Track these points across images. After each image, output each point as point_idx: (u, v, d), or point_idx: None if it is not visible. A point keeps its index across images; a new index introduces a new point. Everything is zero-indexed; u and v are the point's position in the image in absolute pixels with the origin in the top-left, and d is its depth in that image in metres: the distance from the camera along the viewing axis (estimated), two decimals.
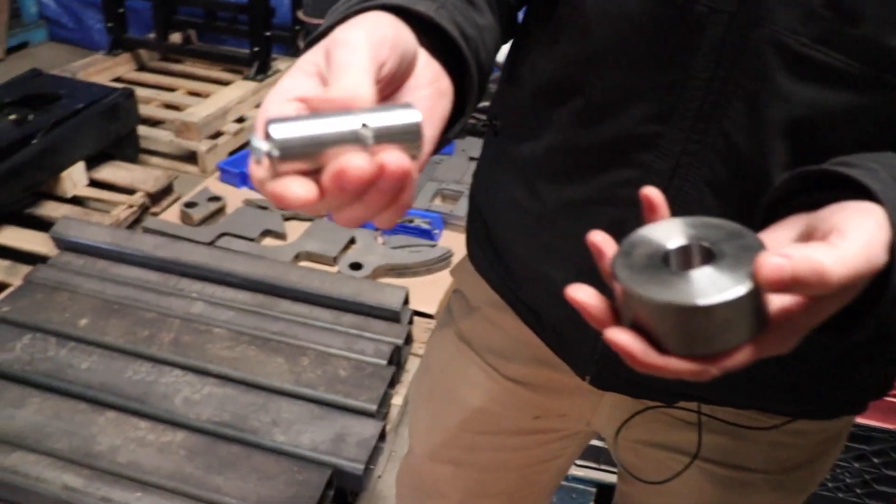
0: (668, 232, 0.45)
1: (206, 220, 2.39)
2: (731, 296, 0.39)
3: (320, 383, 1.63)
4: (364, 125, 0.38)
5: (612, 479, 1.69)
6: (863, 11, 0.48)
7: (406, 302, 1.94)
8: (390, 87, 0.45)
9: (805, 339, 0.43)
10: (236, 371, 1.62)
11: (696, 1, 0.53)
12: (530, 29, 0.65)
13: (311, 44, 0.46)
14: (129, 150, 2.73)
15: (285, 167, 0.38)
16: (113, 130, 2.61)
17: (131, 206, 2.44)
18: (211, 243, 2.23)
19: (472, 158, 2.84)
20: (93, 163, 2.56)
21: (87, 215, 2.36)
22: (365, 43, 0.42)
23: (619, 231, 0.61)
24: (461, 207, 2.60)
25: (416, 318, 2.04)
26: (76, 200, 2.48)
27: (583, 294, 0.43)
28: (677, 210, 0.48)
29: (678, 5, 0.53)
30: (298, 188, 0.38)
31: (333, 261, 2.28)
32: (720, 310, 0.39)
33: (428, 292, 2.21)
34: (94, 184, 2.55)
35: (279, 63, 3.40)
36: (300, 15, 3.19)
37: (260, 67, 3.22)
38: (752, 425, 0.72)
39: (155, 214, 2.49)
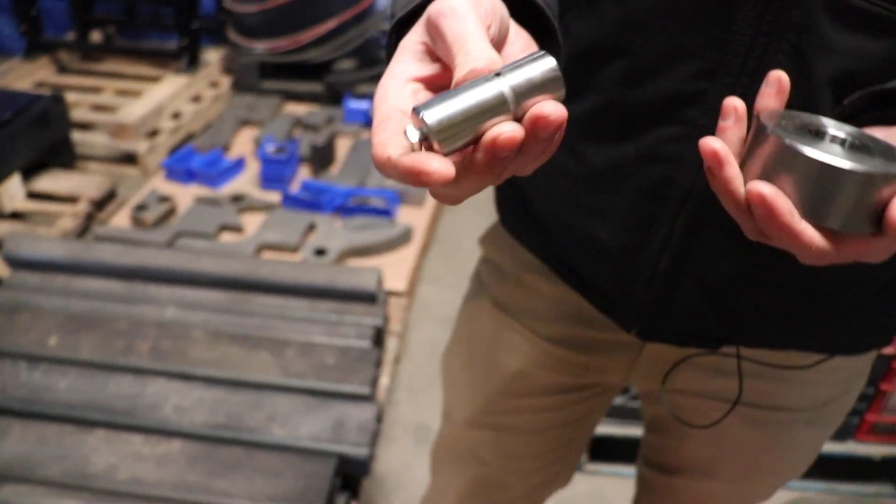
0: (807, 117, 0.46)
1: (158, 222, 2.32)
2: (889, 170, 0.41)
3: (309, 373, 1.61)
4: (508, 87, 0.38)
5: (604, 430, 1.73)
6: None
7: (381, 282, 1.93)
8: None
9: (849, 271, 0.45)
10: (222, 371, 1.59)
11: None
12: None
13: (401, 24, 0.46)
14: (65, 157, 2.62)
15: (443, 147, 0.38)
16: (45, 138, 2.50)
17: (76, 216, 2.35)
18: (168, 245, 2.18)
19: None
20: (28, 174, 2.45)
21: (30, 229, 2.27)
22: (471, 8, 0.41)
23: (667, 187, 0.62)
24: None
25: (388, 298, 2.04)
26: (16, 215, 2.38)
27: (720, 144, 0.44)
28: None
29: None
30: (437, 163, 0.37)
31: (296, 249, 2.25)
32: (875, 180, 0.41)
33: (393, 270, 2.21)
34: (32, 196, 2.45)
35: (208, 54, 3.31)
36: (225, 3, 3.10)
37: (190, 61, 3.12)
38: (790, 364, 0.74)
39: (102, 221, 2.41)
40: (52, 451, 1.41)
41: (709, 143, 0.44)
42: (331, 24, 3.01)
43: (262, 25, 3.06)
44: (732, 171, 0.44)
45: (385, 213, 2.44)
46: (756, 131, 0.44)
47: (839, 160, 0.41)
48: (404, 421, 1.94)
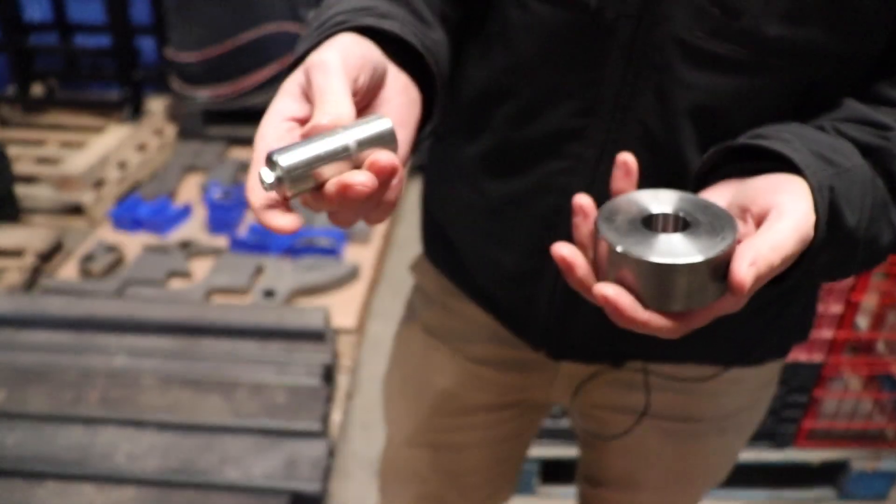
0: (643, 200, 0.51)
1: (107, 272, 2.33)
2: (710, 252, 0.45)
3: (260, 413, 1.64)
4: (351, 140, 0.44)
5: (554, 452, 1.77)
6: (742, 7, 0.57)
7: (328, 320, 1.97)
8: (367, 98, 0.50)
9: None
10: (173, 417, 1.61)
11: (606, 9, 0.59)
12: (463, 44, 0.71)
13: (291, 68, 0.51)
14: (9, 211, 2.62)
15: (292, 189, 0.43)
16: None
17: (22, 269, 2.34)
18: (117, 294, 2.18)
19: None
20: None
21: None
22: (339, 62, 0.47)
23: (559, 216, 0.68)
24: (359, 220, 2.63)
25: (338, 335, 2.07)
26: None
27: (567, 251, 0.49)
28: (606, 191, 0.55)
29: (590, 14, 0.60)
30: (283, 220, 0.43)
31: (245, 292, 2.27)
32: (698, 266, 0.45)
33: (343, 307, 2.24)
34: None
35: (151, 103, 3.33)
36: (167, 52, 3.13)
37: (133, 110, 3.14)
38: (693, 377, 0.80)
39: (49, 274, 2.40)
40: None
41: (558, 249, 0.49)
42: (272, 69, 3.06)
43: (204, 73, 3.10)
44: (581, 272, 0.49)
45: (332, 252, 2.48)
46: (595, 233, 0.49)
47: (663, 258, 0.45)
48: (359, 456, 1.96)
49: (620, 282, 0.47)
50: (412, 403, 0.96)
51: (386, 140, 0.45)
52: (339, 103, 0.45)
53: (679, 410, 0.84)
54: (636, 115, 0.63)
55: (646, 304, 0.47)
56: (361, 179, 0.42)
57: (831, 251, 0.52)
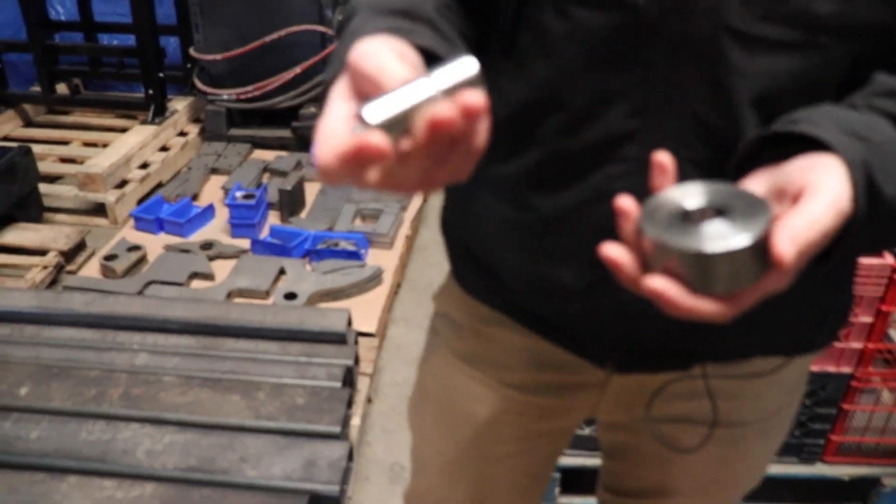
0: (680, 194, 0.52)
1: (129, 272, 2.33)
2: (751, 240, 0.47)
3: (280, 414, 1.63)
4: (437, 84, 0.44)
5: (575, 461, 1.75)
6: None
7: (350, 323, 1.96)
8: None
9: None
10: (194, 415, 1.60)
11: (649, 6, 0.58)
12: (488, 62, 0.69)
13: (332, 78, 0.51)
14: (33, 209, 2.64)
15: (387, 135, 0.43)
16: (13, 192, 2.52)
17: (46, 267, 2.36)
18: (139, 294, 2.18)
19: None
20: None
21: None
22: (386, 49, 0.48)
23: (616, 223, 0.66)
24: (382, 225, 2.63)
25: (359, 339, 2.06)
26: None
27: (614, 251, 0.50)
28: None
29: (633, 14, 0.59)
30: (378, 137, 0.41)
31: (266, 294, 2.27)
32: (743, 253, 0.47)
33: (365, 312, 2.23)
34: (1, 250, 2.45)
35: (175, 103, 3.34)
36: (192, 52, 3.15)
37: (157, 110, 3.16)
38: (756, 372, 0.78)
39: (71, 272, 2.41)
40: (22, 500, 1.41)
41: (605, 251, 0.50)
42: (296, 70, 3.07)
43: (228, 73, 3.11)
44: (629, 269, 0.50)
45: (355, 255, 2.47)
46: (638, 230, 0.51)
47: (704, 245, 0.47)
48: (378, 461, 1.95)
49: (667, 273, 0.49)
50: (449, 436, 0.93)
51: (472, 79, 0.45)
52: (402, 70, 0.45)
53: (724, 415, 0.82)
54: (690, 109, 0.61)
55: (693, 292, 0.48)
56: (449, 114, 0.42)
57: (873, 223, 0.53)
